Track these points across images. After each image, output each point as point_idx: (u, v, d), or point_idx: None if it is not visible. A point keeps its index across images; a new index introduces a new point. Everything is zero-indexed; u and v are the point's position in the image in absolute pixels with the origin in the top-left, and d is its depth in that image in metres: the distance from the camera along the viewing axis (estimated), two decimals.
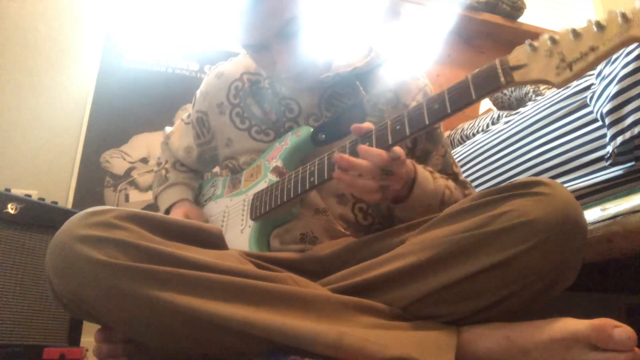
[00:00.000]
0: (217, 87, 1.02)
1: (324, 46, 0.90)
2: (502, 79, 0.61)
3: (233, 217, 0.97)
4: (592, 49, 0.54)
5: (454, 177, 0.96)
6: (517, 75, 0.60)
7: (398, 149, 0.74)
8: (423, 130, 0.70)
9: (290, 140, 0.92)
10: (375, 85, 0.93)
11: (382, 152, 0.71)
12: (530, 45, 0.60)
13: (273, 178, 0.91)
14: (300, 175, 0.83)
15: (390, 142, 0.72)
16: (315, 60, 0.89)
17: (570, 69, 0.56)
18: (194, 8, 2.12)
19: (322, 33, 0.87)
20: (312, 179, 0.81)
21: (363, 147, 0.73)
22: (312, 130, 0.90)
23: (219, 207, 1.03)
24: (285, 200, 0.84)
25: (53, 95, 1.86)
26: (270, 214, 0.88)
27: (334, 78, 0.92)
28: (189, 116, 1.12)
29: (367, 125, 0.76)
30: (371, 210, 0.91)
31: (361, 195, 0.75)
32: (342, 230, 0.88)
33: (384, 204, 0.88)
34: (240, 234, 0.92)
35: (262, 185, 0.93)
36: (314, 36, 0.85)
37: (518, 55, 0.61)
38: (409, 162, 0.80)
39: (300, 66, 0.86)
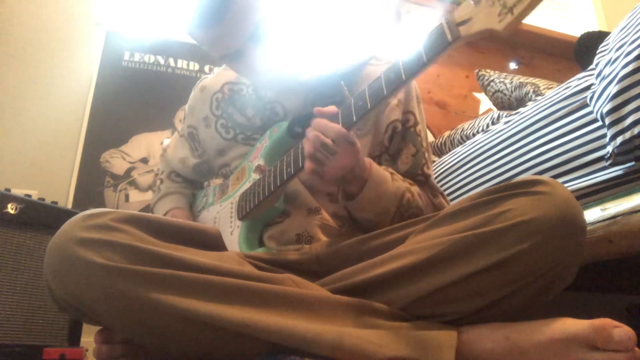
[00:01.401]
0: (201, 100, 1.04)
1: (301, 46, 0.90)
2: (448, 36, 0.61)
3: (223, 221, 0.98)
4: None
5: (424, 178, 0.94)
6: (463, 30, 0.60)
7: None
8: (383, 101, 0.71)
9: (268, 137, 0.93)
10: (361, 85, 0.92)
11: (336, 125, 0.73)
12: None
13: (256, 177, 0.92)
14: (278, 169, 0.84)
15: (354, 119, 0.73)
16: (294, 60, 0.89)
17: (512, 13, 0.55)
18: None
19: (296, 32, 0.88)
20: (288, 170, 0.81)
21: (318, 109, 0.75)
22: (287, 124, 0.90)
23: (210, 214, 1.04)
24: (267, 194, 0.85)
25: (53, 95, 1.86)
26: (255, 211, 0.88)
27: (318, 79, 0.92)
28: (182, 128, 1.14)
29: (331, 108, 0.76)
30: None
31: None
32: (337, 227, 0.88)
33: (323, 189, 0.88)
34: (230, 236, 0.92)
35: (247, 186, 0.93)
36: (288, 36, 0.86)
37: (462, 11, 0.60)
38: (367, 161, 0.80)
39: (279, 67, 0.86)
